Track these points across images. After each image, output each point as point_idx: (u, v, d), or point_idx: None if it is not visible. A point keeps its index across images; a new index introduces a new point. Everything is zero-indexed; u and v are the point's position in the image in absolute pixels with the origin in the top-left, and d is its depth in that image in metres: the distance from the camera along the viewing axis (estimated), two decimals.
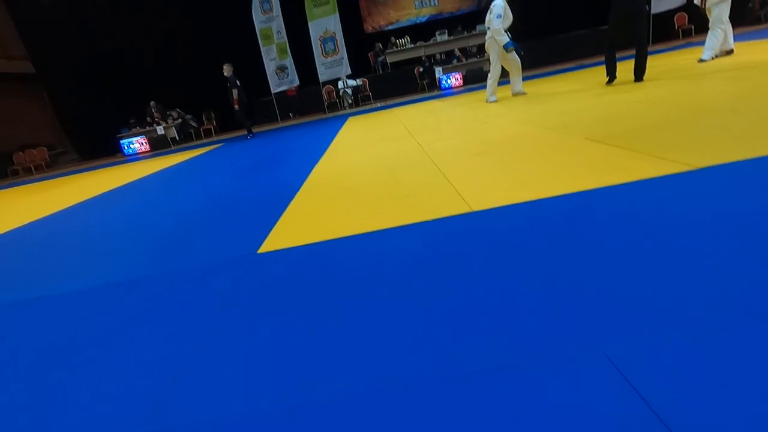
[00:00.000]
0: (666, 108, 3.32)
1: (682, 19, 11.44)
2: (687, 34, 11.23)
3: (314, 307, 1.41)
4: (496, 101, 6.00)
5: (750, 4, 10.90)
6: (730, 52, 5.86)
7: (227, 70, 8.47)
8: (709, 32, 5.82)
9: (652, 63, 7.12)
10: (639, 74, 4.99)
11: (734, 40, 6.09)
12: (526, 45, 6.16)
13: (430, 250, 1.67)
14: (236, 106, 8.64)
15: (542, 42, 11.71)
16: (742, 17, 11.08)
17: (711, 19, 5.83)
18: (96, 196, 4.95)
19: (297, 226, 2.33)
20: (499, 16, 5.44)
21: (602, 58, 5.48)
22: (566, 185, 2.05)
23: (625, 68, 5.41)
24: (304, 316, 1.36)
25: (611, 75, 5.26)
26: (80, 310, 1.78)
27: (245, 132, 9.26)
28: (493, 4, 5.54)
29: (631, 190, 1.84)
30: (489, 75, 6.03)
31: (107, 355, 1.37)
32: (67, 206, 4.61)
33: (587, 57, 11.31)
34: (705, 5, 5.90)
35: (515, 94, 6.14)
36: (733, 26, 6.06)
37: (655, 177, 1.92)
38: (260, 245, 2.12)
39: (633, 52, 4.99)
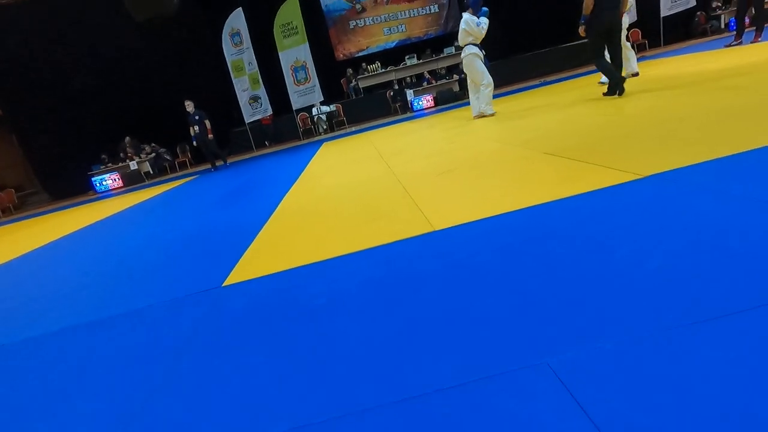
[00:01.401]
0: (619, 120, 3.48)
1: (636, 35, 12.09)
2: (642, 48, 11.85)
3: (277, 339, 1.41)
4: (494, 113, 5.95)
5: (696, 19, 11.61)
6: (635, 74, 6.06)
7: (189, 106, 8.56)
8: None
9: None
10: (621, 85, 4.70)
11: (683, 53, 6.48)
12: (491, 66, 6.37)
13: (389, 273, 1.69)
14: (210, 136, 8.73)
15: (506, 62, 12.17)
16: (689, 31, 11.80)
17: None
18: (62, 237, 4.83)
19: (264, 256, 2.33)
20: (477, 23, 5.68)
21: (564, 74, 5.70)
22: (521, 200, 2.12)
23: (589, 81, 5.66)
24: (267, 350, 1.35)
25: (620, 85, 4.67)
26: (35, 357, 1.72)
27: (217, 164, 9.26)
28: (462, 21, 5.81)
29: (581, 201, 1.91)
30: (482, 88, 5.91)
31: (62, 405, 1.32)
32: (31, 249, 4.47)
33: (549, 74, 11.79)
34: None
35: (478, 116, 6.08)
36: (682, 40, 6.47)
37: (604, 187, 2.00)
38: (226, 277, 2.11)
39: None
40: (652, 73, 6.16)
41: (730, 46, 6.88)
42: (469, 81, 6.16)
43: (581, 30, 4.92)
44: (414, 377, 1.05)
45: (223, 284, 2.03)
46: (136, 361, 1.48)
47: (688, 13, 11.04)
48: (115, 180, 11.13)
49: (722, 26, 11.70)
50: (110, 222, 5.25)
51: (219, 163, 9.29)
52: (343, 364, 1.17)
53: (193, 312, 1.78)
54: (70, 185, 12.00)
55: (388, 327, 1.30)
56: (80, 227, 5.33)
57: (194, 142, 8.75)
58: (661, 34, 11.10)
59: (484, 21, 5.72)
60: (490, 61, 5.93)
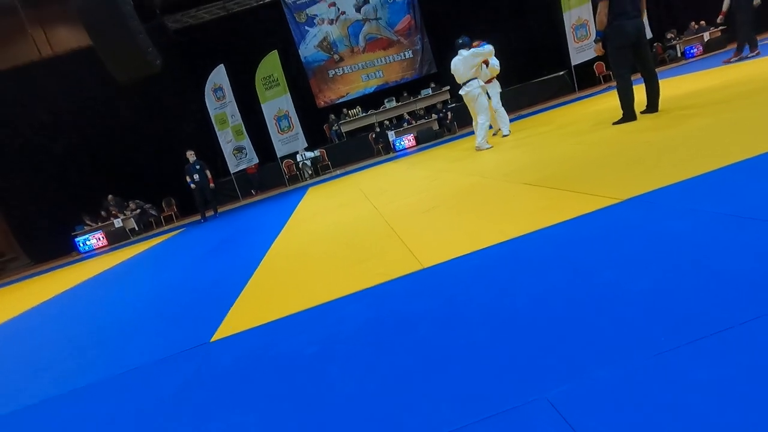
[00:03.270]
0: (596, 147, 3.61)
1: (600, 67, 12.78)
2: (608, 79, 12.49)
3: (269, 394, 1.36)
4: (491, 147, 5.90)
5: (653, 50, 12.37)
6: (505, 135, 6.50)
7: (191, 156, 8.81)
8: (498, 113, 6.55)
9: (583, 108, 7.82)
10: (656, 102, 4.23)
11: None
12: (459, 107, 6.62)
13: (380, 316, 1.66)
14: (211, 185, 9.01)
15: None
16: None
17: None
18: (42, 303, 4.67)
19: (253, 307, 2.28)
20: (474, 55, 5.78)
21: (531, 109, 5.75)
22: (506, 232, 2.14)
23: (558, 114, 5.87)
24: (260, 407, 1.30)
25: (632, 113, 4.22)
26: None
27: (208, 214, 9.26)
28: (455, 62, 5.91)
29: (564, 229, 1.94)
30: (480, 123, 5.97)
31: None
32: (8, 318, 4.31)
33: (524, 107, 12.29)
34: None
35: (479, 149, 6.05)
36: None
37: (585, 213, 2.05)
38: (214, 332, 2.05)
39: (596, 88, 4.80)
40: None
41: (729, 62, 7.23)
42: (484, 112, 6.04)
43: (596, 49, 4.41)
44: (414, 423, 1.01)
45: (212, 339, 1.97)
46: (124, 430, 1.40)
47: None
48: (99, 239, 10.96)
49: (678, 55, 12.47)
50: (94, 282, 5.12)
51: (209, 213, 9.30)
52: (338, 415, 1.12)
53: (181, 372, 1.71)
54: (52, 247, 11.77)
55: (382, 372, 1.27)
56: (62, 290, 5.17)
57: (192, 187, 8.84)
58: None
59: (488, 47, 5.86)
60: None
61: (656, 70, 4.27)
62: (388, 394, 1.16)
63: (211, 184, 9.02)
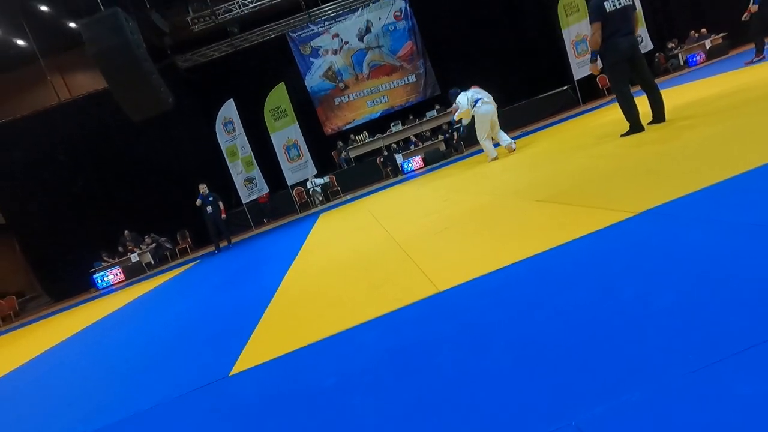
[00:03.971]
0: (604, 160, 3.60)
1: (603, 80, 12.84)
2: (611, 91, 12.51)
3: (289, 430, 1.34)
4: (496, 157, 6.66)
5: (656, 60, 12.42)
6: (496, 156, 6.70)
7: (203, 189, 9.03)
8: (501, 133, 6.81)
9: (588, 121, 7.82)
10: (662, 112, 4.22)
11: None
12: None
13: (398, 344, 1.64)
14: (223, 215, 9.18)
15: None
16: (652, 71, 12.57)
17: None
18: (62, 342, 4.72)
19: (270, 338, 2.27)
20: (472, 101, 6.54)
21: (538, 124, 5.92)
22: (521, 251, 2.12)
23: (560, 129, 5.89)
24: None
25: (639, 125, 4.22)
26: None
27: (222, 245, 9.37)
28: (459, 100, 6.66)
29: (580, 245, 1.92)
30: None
31: None
32: (29, 359, 4.35)
33: (531, 123, 12.34)
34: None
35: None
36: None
37: (600, 229, 2.02)
38: (233, 365, 2.04)
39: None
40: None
41: (751, 63, 7.20)
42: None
43: (592, 68, 4.51)
44: None
45: (231, 373, 1.96)
46: None
47: (647, 56, 11.86)
48: (116, 275, 11.11)
49: (681, 63, 12.49)
50: (111, 319, 5.16)
51: (223, 244, 9.41)
52: None
53: (200, 409, 1.70)
54: (71, 285, 11.95)
55: (404, 402, 1.24)
56: (80, 329, 5.22)
57: (207, 222, 9.10)
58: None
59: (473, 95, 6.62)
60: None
61: (660, 79, 4.31)
62: (412, 424, 1.13)
63: (223, 215, 9.20)
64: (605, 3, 4.11)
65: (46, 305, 12.49)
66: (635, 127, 4.22)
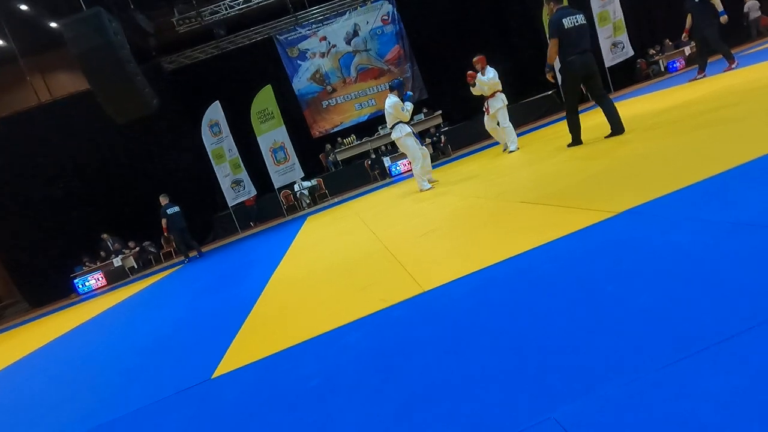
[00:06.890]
0: (583, 163, 3.66)
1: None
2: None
3: (271, 430, 1.32)
4: (431, 188, 5.94)
5: (638, 66, 12.70)
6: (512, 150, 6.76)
7: (164, 200, 8.84)
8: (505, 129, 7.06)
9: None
10: (618, 123, 4.34)
11: (633, 96, 6.98)
12: (451, 130, 6.86)
13: (382, 344, 1.64)
14: (165, 233, 9.13)
15: (469, 122, 12.81)
16: (633, 77, 12.84)
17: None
18: (41, 347, 4.59)
19: (254, 340, 2.25)
20: (403, 108, 5.83)
21: (523, 128, 5.96)
22: (505, 250, 2.14)
23: (544, 134, 5.97)
24: None
25: (579, 139, 4.72)
26: None
27: (190, 254, 9.19)
28: (388, 105, 5.88)
29: (562, 245, 1.95)
30: (414, 165, 6.06)
31: None
32: (5, 366, 4.22)
33: (516, 128, 12.44)
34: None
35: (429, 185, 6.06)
36: (628, 85, 6.99)
37: (582, 228, 2.05)
38: (215, 368, 2.01)
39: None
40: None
41: (695, 80, 7.40)
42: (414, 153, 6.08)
43: (549, 76, 4.80)
44: None
45: (213, 376, 1.93)
46: None
47: (628, 62, 12.10)
48: (98, 279, 10.88)
49: (662, 69, 12.79)
50: (92, 324, 5.05)
51: (192, 254, 9.19)
52: None
53: (182, 413, 1.68)
54: (51, 290, 11.64)
55: (388, 402, 1.24)
56: (59, 334, 5.09)
57: (168, 234, 9.03)
58: (609, 82, 12.06)
59: (409, 105, 5.93)
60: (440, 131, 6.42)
61: (640, 85, 4.49)
62: (395, 425, 1.13)
63: (164, 233, 9.13)
64: (564, 20, 4.34)
65: (24, 311, 12.15)
66: (576, 140, 4.72)
